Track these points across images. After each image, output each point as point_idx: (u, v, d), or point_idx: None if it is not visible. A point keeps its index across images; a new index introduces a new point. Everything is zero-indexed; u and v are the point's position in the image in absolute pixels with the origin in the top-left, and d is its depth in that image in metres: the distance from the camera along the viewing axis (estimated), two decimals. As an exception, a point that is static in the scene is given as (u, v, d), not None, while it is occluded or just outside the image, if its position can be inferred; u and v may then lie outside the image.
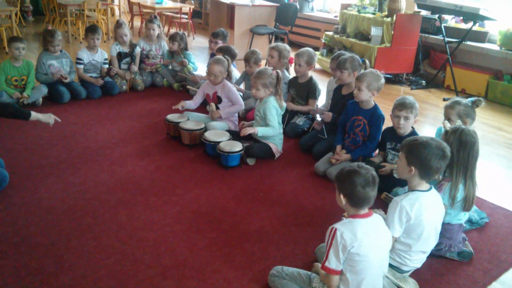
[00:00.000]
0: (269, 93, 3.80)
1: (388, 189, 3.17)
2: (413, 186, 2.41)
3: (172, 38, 5.71)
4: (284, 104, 3.92)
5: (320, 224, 3.00)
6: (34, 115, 3.38)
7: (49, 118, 3.49)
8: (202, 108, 4.50)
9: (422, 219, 2.32)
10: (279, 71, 3.87)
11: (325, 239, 2.14)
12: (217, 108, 4.27)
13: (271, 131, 3.80)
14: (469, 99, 3.18)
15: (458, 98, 3.22)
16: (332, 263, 2.10)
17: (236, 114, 4.42)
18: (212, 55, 5.64)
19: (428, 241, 2.43)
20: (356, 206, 2.14)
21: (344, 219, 2.40)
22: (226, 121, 4.26)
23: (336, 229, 2.08)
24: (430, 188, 2.42)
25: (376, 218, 2.21)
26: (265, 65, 4.74)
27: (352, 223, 2.12)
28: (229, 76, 4.34)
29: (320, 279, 2.23)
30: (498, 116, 5.64)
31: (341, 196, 2.16)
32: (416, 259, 2.45)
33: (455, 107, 3.12)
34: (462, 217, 2.71)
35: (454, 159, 2.52)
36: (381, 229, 2.22)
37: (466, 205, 2.59)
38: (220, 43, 5.53)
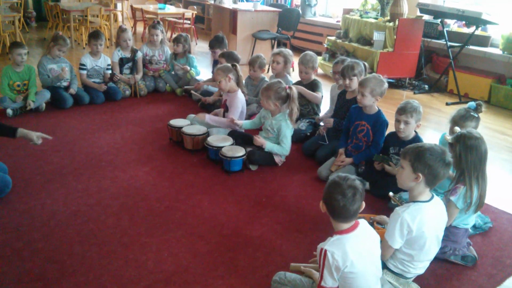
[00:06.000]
0: (275, 107, 3.76)
1: (393, 192, 3.16)
2: (416, 195, 2.35)
3: (176, 40, 5.74)
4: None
5: (323, 229, 2.98)
6: (21, 132, 3.23)
7: (36, 138, 3.26)
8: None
9: (424, 230, 2.28)
10: (293, 87, 3.78)
11: (317, 260, 2.09)
12: (224, 116, 4.29)
13: (280, 151, 3.81)
14: (470, 103, 3.16)
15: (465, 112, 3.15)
16: (328, 282, 2.04)
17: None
18: (215, 62, 5.65)
19: (431, 250, 2.40)
20: (338, 220, 2.08)
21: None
22: (229, 128, 4.25)
23: (326, 250, 2.01)
24: (432, 197, 2.37)
25: (362, 226, 2.14)
26: (267, 70, 4.75)
27: (341, 240, 2.04)
28: (238, 84, 4.33)
29: None
30: (501, 120, 5.63)
31: (324, 207, 2.11)
32: (420, 267, 2.43)
33: (468, 125, 3.05)
34: (469, 222, 2.70)
35: (463, 165, 2.51)
36: (368, 237, 2.15)
37: (480, 204, 2.58)
38: (219, 51, 5.52)
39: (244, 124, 4.04)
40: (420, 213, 2.28)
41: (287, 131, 3.78)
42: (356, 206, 2.04)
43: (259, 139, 3.78)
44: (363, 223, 2.16)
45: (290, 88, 3.74)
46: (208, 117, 4.22)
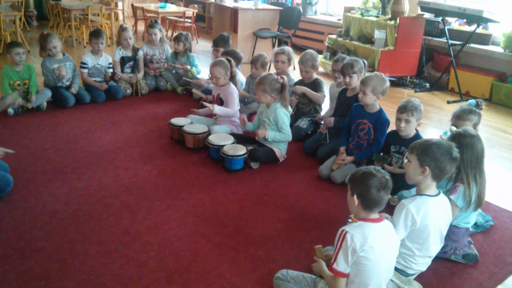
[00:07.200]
0: (271, 99, 3.78)
1: (393, 191, 3.15)
2: (423, 188, 2.39)
3: (177, 38, 5.72)
4: (289, 109, 3.91)
5: (324, 227, 2.99)
6: None
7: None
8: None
9: (428, 223, 2.31)
10: (285, 77, 3.83)
11: (335, 241, 2.13)
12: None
13: (283, 137, 3.81)
14: (471, 101, 3.16)
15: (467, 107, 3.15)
16: (341, 265, 2.09)
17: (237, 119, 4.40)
18: (216, 60, 5.63)
19: (434, 246, 2.42)
20: (368, 209, 2.14)
21: (350, 221, 2.38)
22: (229, 124, 4.26)
23: (346, 232, 2.07)
24: (438, 193, 2.40)
25: (387, 224, 2.20)
26: (269, 69, 4.73)
27: (362, 226, 2.11)
28: (233, 78, 4.34)
29: (325, 281, 2.22)
30: (502, 118, 5.62)
31: (354, 197, 2.15)
32: (421, 263, 2.44)
33: (471, 119, 3.08)
34: (470, 221, 2.70)
35: (460, 164, 2.51)
36: (390, 235, 2.21)
37: (479, 202, 2.59)
38: (222, 50, 5.50)
39: (248, 126, 4.00)
40: (425, 206, 2.31)
41: (284, 117, 3.79)
42: (387, 197, 2.14)
43: (260, 131, 3.81)
44: (388, 223, 2.22)
45: (282, 78, 3.78)
46: (217, 109, 4.19)
